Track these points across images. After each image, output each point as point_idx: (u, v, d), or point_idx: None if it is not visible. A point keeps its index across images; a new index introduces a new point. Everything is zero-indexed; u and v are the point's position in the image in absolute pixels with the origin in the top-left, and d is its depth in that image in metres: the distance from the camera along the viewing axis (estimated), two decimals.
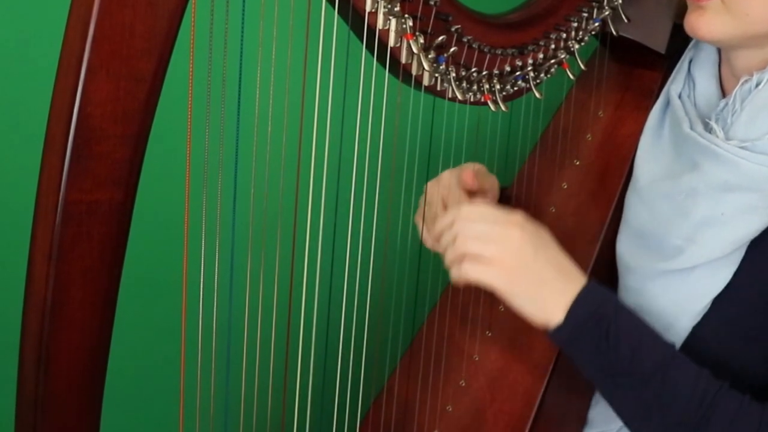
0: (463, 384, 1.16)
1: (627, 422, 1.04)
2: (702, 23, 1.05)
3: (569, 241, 1.20)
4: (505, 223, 1.02)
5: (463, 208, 1.05)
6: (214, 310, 0.97)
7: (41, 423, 0.87)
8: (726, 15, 1.03)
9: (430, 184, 1.21)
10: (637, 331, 1.01)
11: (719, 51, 1.14)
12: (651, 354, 1.00)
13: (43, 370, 0.85)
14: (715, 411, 0.98)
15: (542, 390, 1.12)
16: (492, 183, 1.24)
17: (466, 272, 1.02)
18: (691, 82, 1.15)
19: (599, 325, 1.00)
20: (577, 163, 1.25)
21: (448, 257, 1.04)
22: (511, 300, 1.02)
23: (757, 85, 1.05)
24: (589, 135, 1.27)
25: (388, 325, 1.18)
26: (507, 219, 1.03)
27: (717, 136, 1.05)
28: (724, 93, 1.13)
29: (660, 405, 0.99)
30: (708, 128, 1.08)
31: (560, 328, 1.01)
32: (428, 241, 1.20)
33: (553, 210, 1.24)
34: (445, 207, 1.19)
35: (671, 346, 1.02)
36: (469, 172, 1.18)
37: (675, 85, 1.16)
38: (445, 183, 1.21)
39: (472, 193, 1.21)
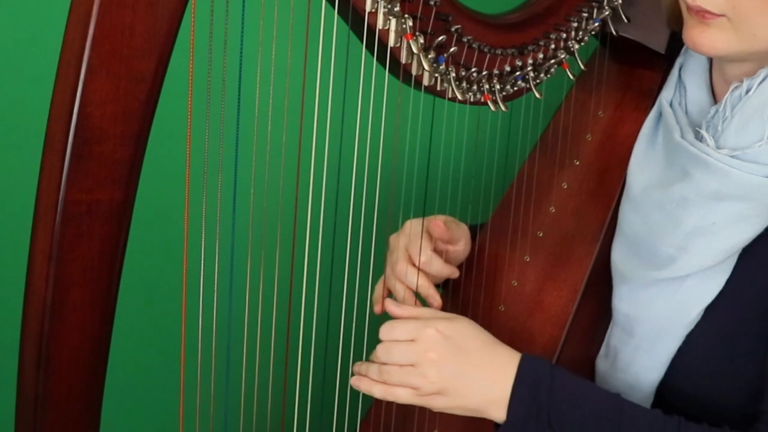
0: None
1: None
2: (705, 39, 1.02)
3: (569, 241, 1.20)
4: (419, 347, 1.02)
5: (381, 330, 1.05)
6: (214, 309, 0.97)
7: (41, 422, 0.87)
8: (731, 32, 1.01)
9: (392, 236, 1.20)
10: (578, 406, 1.01)
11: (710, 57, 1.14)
12: (599, 427, 1.00)
13: (43, 369, 0.85)
14: None
15: None
16: (462, 232, 1.22)
17: (391, 395, 1.04)
18: (683, 89, 1.14)
19: (540, 417, 1.00)
20: (577, 163, 1.25)
21: (373, 377, 1.05)
22: (448, 411, 1.04)
23: (747, 91, 1.04)
24: (588, 135, 1.27)
25: None
26: (420, 342, 1.02)
27: (708, 145, 1.05)
28: (715, 98, 1.12)
29: None
30: (699, 136, 1.07)
31: (506, 428, 1.02)
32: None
33: (553, 210, 1.24)
34: (410, 259, 1.17)
35: (618, 406, 1.02)
36: (438, 222, 1.16)
37: (666, 92, 1.14)
38: (407, 232, 1.18)
39: (441, 242, 1.19)
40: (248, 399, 1.09)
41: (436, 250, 1.18)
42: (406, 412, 1.17)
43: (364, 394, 1.11)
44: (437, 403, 1.04)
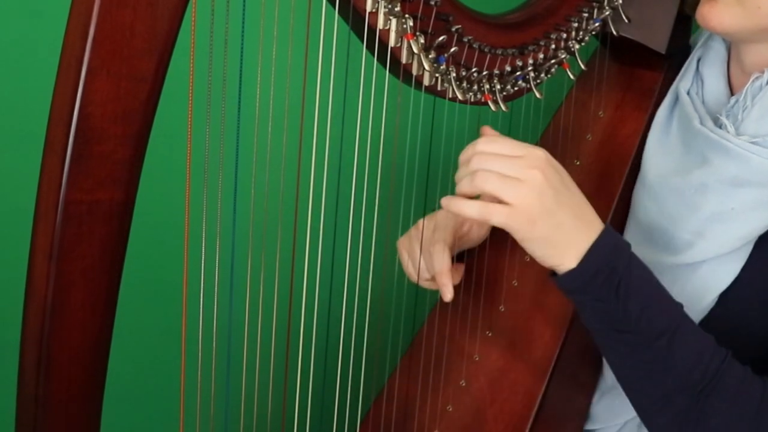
0: (464, 384, 1.16)
1: (621, 379, 1.02)
2: (713, 14, 1.06)
3: None
4: (526, 162, 0.96)
5: (480, 142, 0.98)
6: (215, 310, 0.97)
7: (41, 423, 0.87)
8: (737, 7, 1.04)
9: (426, 218, 1.18)
10: (648, 289, 0.98)
11: (728, 49, 1.15)
12: (660, 316, 0.97)
13: (44, 370, 0.85)
14: (718, 384, 0.97)
15: (543, 389, 1.12)
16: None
17: (487, 213, 0.96)
18: (700, 80, 1.15)
19: (610, 278, 0.96)
20: (578, 163, 1.26)
21: (463, 189, 0.98)
22: (524, 243, 0.97)
23: None
24: (589, 135, 1.27)
25: (388, 325, 1.18)
26: (529, 159, 0.96)
27: (728, 132, 1.06)
28: (732, 91, 1.14)
29: (662, 369, 0.97)
30: (718, 124, 1.08)
31: (571, 276, 0.97)
32: (413, 275, 1.19)
33: None
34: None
35: (681, 309, 0.99)
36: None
37: (684, 82, 1.16)
38: (441, 218, 1.18)
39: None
40: (249, 400, 1.09)
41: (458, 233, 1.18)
42: (406, 412, 1.17)
43: (363, 395, 1.11)
44: (529, 231, 0.96)
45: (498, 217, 0.96)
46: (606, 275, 0.96)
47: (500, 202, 0.96)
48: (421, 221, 1.19)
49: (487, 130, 1.03)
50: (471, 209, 0.96)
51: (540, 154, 0.97)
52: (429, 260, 1.16)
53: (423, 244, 1.17)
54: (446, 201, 0.98)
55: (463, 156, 1.00)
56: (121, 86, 0.78)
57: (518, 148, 0.98)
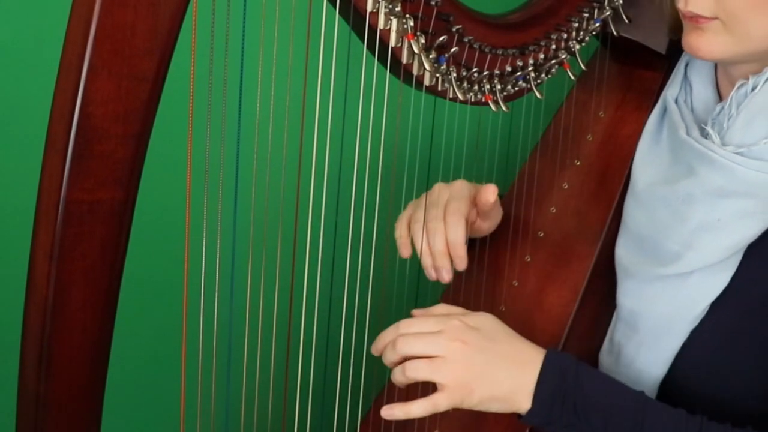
0: None
1: None
2: (702, 44, 1.04)
3: (570, 242, 1.20)
4: (446, 336, 1.01)
5: (402, 325, 1.04)
6: (215, 310, 0.97)
7: (42, 423, 0.87)
8: (726, 35, 1.02)
9: (439, 185, 1.19)
10: (603, 397, 1.01)
11: None
12: (622, 418, 1.00)
13: (44, 369, 0.85)
14: None
15: None
16: (497, 214, 1.22)
17: (432, 407, 1.01)
18: (688, 87, 1.14)
19: (565, 403, 1.00)
20: (578, 163, 1.26)
21: (399, 380, 1.02)
22: (477, 408, 1.02)
23: (753, 89, 1.04)
24: (589, 135, 1.27)
25: (388, 323, 1.18)
26: (447, 332, 1.01)
27: (713, 142, 1.05)
28: (720, 97, 1.13)
29: None
30: (704, 133, 1.07)
31: (531, 416, 1.01)
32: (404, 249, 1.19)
33: (554, 210, 1.24)
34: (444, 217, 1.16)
35: (642, 400, 1.01)
36: (493, 188, 1.14)
37: (672, 89, 1.15)
38: (457, 189, 1.18)
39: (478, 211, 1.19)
40: (249, 399, 1.09)
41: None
42: None
43: (363, 394, 1.11)
44: (470, 399, 1.01)
45: (441, 403, 1.01)
46: (561, 402, 1.00)
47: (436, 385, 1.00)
48: (423, 197, 1.19)
49: (414, 312, 1.08)
50: (418, 410, 1.01)
51: (455, 323, 1.02)
52: (437, 229, 1.15)
53: (432, 212, 1.17)
54: (388, 411, 1.02)
55: (386, 337, 1.04)
56: (122, 86, 0.78)
57: (437, 323, 1.02)
